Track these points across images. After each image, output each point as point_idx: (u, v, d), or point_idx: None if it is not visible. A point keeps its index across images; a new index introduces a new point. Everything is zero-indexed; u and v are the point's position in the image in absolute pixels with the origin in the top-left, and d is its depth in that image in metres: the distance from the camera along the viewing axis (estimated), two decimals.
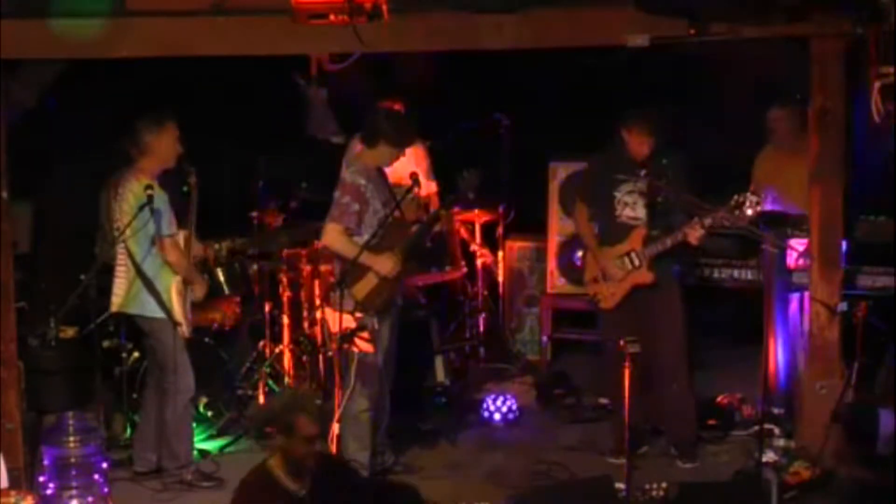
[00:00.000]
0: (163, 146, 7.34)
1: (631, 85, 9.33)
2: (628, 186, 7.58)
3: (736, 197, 7.23)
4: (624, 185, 7.59)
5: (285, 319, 8.61)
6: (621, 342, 6.22)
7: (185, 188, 7.51)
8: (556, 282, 9.42)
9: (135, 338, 7.77)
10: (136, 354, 7.94)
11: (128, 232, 7.20)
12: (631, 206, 7.59)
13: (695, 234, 7.36)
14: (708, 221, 7.31)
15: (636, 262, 7.52)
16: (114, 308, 7.47)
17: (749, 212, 7.21)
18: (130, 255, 7.30)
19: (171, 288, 7.32)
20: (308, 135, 10.11)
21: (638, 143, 7.51)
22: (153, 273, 7.31)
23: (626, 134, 7.54)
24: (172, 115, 7.42)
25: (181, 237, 7.43)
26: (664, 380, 7.66)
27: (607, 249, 7.62)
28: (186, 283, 7.39)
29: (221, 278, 8.19)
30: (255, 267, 8.66)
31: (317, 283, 8.65)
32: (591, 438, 8.04)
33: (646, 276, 7.51)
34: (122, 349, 7.86)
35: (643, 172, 7.54)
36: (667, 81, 9.32)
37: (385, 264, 7.14)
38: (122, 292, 7.38)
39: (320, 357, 8.60)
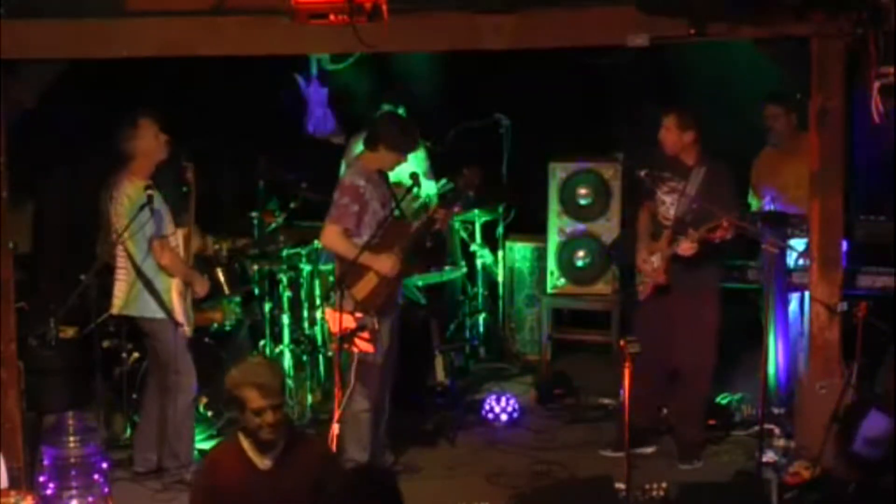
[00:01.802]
0: (145, 145, 7.29)
1: (631, 85, 9.35)
2: (670, 185, 7.56)
3: (716, 221, 7.23)
4: (666, 185, 7.57)
5: (285, 319, 8.61)
6: (622, 342, 6.22)
7: (184, 188, 7.49)
8: (556, 282, 9.42)
9: (135, 338, 7.76)
10: (135, 355, 7.93)
11: (126, 234, 7.18)
12: (668, 207, 7.58)
13: (684, 247, 7.34)
14: (696, 235, 7.30)
15: (656, 263, 7.52)
16: (114, 310, 7.45)
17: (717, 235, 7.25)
18: (130, 257, 7.29)
19: (172, 288, 7.32)
20: (308, 135, 10.12)
21: (663, 133, 7.50)
22: (153, 274, 7.30)
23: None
24: (147, 112, 7.35)
25: (180, 235, 7.41)
26: (674, 381, 7.65)
27: (646, 245, 7.64)
28: (186, 283, 7.38)
29: (221, 278, 8.17)
30: (255, 267, 8.66)
31: (317, 283, 8.67)
32: (592, 438, 8.04)
33: (660, 277, 7.51)
34: (122, 349, 7.85)
35: (644, 172, 7.53)
36: (666, 81, 9.33)
37: (385, 264, 7.14)
38: (122, 294, 7.37)
39: (320, 357, 8.62)
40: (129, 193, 7.23)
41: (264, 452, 5.32)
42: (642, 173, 7.56)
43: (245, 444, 5.34)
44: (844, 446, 6.80)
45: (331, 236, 7.23)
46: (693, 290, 7.52)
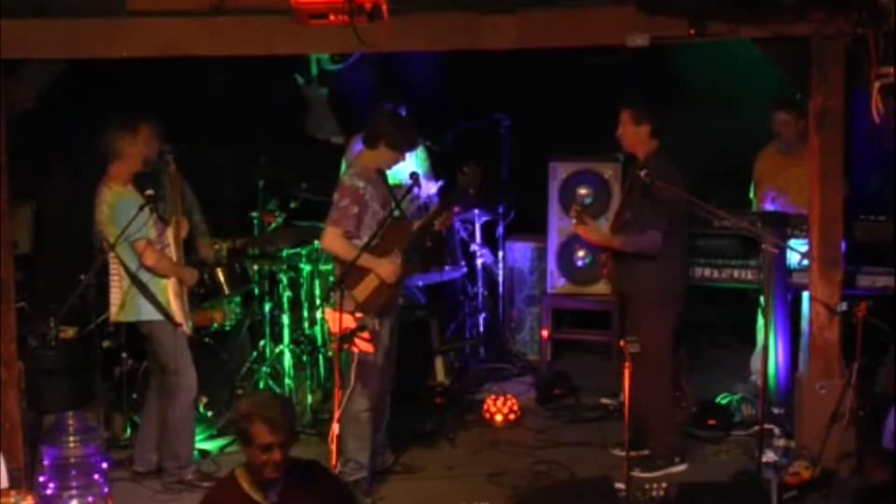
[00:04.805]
0: (137, 151, 7.22)
1: (631, 84, 9.36)
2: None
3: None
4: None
5: (285, 319, 8.61)
6: (622, 342, 6.22)
7: (165, 183, 7.40)
8: (556, 282, 9.42)
9: (135, 339, 7.75)
10: (133, 357, 7.91)
11: (113, 239, 7.13)
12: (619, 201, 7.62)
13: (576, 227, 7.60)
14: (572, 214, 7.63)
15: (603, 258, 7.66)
16: (112, 318, 7.42)
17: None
18: (122, 263, 7.23)
19: (168, 289, 7.28)
20: (308, 135, 10.12)
21: (620, 130, 7.53)
22: (147, 277, 7.24)
23: None
24: (146, 117, 7.29)
25: (169, 233, 7.35)
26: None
27: None
28: (180, 280, 7.33)
29: (221, 278, 8.17)
30: (255, 267, 8.66)
31: (317, 283, 8.66)
32: (592, 438, 8.03)
33: (601, 270, 7.66)
34: (121, 349, 7.85)
35: (644, 173, 7.53)
36: (667, 80, 9.34)
37: (386, 269, 7.11)
38: (117, 301, 7.31)
39: (320, 357, 8.63)
40: (108, 200, 7.17)
41: (265, 490, 5.06)
42: (643, 173, 7.56)
43: (245, 483, 5.06)
44: (872, 446, 6.81)
45: (331, 238, 7.21)
46: (628, 285, 7.53)
